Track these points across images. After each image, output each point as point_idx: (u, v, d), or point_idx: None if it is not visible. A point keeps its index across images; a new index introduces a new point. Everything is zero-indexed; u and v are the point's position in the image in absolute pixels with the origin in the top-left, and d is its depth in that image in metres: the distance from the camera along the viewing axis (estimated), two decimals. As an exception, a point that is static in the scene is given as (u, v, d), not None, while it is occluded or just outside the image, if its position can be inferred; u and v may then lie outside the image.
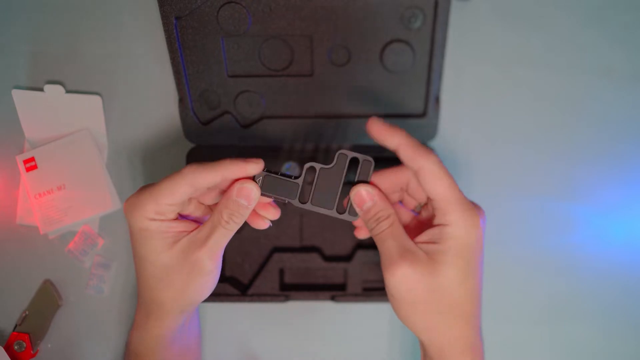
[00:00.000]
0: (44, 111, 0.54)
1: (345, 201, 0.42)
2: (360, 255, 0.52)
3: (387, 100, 0.51)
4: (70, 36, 0.55)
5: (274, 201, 0.43)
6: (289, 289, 0.53)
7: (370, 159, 0.41)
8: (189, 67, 0.50)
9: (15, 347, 0.52)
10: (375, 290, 0.53)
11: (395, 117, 0.52)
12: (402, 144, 0.39)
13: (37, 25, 0.55)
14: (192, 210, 0.43)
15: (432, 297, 0.39)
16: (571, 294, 0.54)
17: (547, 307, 0.54)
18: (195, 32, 0.49)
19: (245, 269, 0.54)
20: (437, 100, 0.51)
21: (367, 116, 0.52)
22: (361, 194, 0.41)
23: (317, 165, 0.42)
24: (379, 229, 0.40)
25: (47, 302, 0.53)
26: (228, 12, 0.48)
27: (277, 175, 0.41)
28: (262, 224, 0.44)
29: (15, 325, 0.53)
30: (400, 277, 0.39)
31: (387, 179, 0.42)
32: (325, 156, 0.53)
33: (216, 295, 0.52)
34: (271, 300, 0.53)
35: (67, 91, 0.54)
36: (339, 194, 0.42)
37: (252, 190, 0.41)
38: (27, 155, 0.53)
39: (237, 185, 0.41)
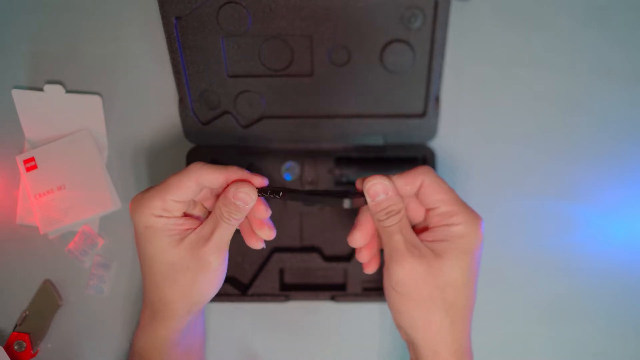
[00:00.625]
0: (44, 111, 0.54)
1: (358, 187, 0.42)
2: (360, 255, 0.52)
3: (387, 100, 0.51)
4: (70, 36, 0.55)
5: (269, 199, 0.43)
6: (289, 289, 0.53)
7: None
8: (189, 67, 0.50)
9: (16, 347, 0.52)
10: (375, 290, 0.53)
11: (395, 117, 0.52)
12: (398, 181, 0.40)
13: (37, 25, 0.55)
14: (197, 214, 0.44)
15: (437, 295, 0.39)
16: (571, 294, 0.54)
17: (547, 307, 0.54)
18: (195, 32, 0.49)
19: (245, 269, 0.54)
20: (437, 100, 0.51)
21: (367, 116, 0.52)
22: (376, 185, 0.40)
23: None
24: (389, 223, 0.40)
25: (47, 302, 0.53)
26: (228, 12, 0.48)
27: (267, 195, 0.42)
28: (257, 244, 0.44)
29: (15, 325, 0.53)
30: (409, 270, 0.39)
31: (397, 183, 0.42)
32: (326, 156, 0.53)
33: (216, 295, 0.52)
34: (271, 300, 0.53)
35: (67, 91, 0.54)
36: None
37: (249, 196, 0.41)
38: (27, 155, 0.53)
39: (232, 188, 0.41)
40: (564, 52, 0.54)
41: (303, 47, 0.50)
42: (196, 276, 0.42)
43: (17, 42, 0.55)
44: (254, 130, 0.52)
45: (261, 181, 0.42)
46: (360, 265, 0.52)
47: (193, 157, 0.53)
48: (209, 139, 0.53)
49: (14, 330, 0.52)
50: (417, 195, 0.41)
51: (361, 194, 0.41)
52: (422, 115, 0.52)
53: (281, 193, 0.41)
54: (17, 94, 0.54)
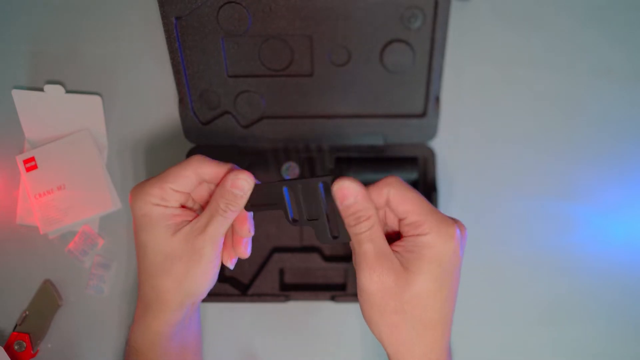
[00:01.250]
0: (44, 111, 0.54)
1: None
2: (360, 255, 0.52)
3: (387, 100, 0.51)
4: (70, 36, 0.55)
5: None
6: (289, 289, 0.53)
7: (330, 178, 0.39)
8: (189, 67, 0.50)
9: (16, 347, 0.52)
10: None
11: (395, 117, 0.52)
12: (361, 194, 0.38)
13: (37, 25, 0.55)
14: (195, 207, 0.44)
15: (404, 308, 0.38)
16: (571, 294, 0.54)
17: (547, 307, 0.54)
18: (195, 32, 0.49)
19: (245, 269, 0.54)
20: (437, 100, 0.51)
21: (367, 116, 0.52)
22: (344, 189, 0.38)
23: (295, 185, 0.40)
24: (359, 230, 0.38)
25: (47, 302, 0.53)
26: (228, 12, 0.48)
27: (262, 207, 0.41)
28: (228, 262, 0.44)
29: (15, 325, 0.53)
30: (376, 281, 0.38)
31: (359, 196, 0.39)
32: (326, 156, 0.53)
33: (216, 295, 0.52)
34: (271, 300, 0.53)
35: (67, 91, 0.54)
36: (326, 220, 0.40)
37: (247, 182, 0.41)
38: (27, 155, 0.53)
39: (231, 177, 0.41)
40: (564, 52, 0.54)
41: (303, 47, 0.50)
42: (189, 267, 0.42)
43: (17, 42, 0.55)
44: (254, 130, 0.52)
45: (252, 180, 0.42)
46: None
47: (193, 157, 0.53)
48: (209, 139, 0.53)
49: (14, 330, 0.52)
50: (387, 205, 0.40)
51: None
52: (422, 115, 0.52)
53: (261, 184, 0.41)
54: (17, 94, 0.54)
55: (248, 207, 0.42)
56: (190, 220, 0.42)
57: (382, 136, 0.52)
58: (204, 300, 0.52)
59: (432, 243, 0.38)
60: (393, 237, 0.41)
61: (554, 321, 0.54)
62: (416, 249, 0.38)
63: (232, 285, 0.53)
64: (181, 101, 0.51)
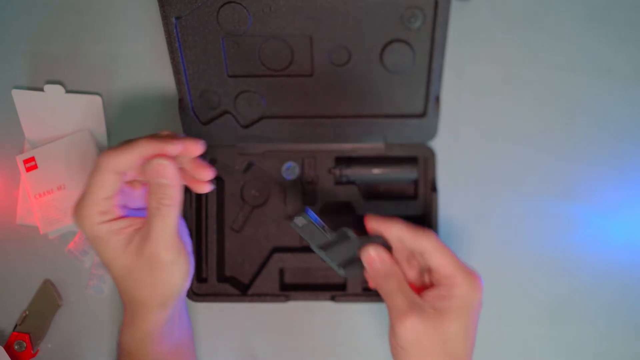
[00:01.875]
0: (44, 111, 0.54)
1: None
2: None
3: (387, 100, 0.51)
4: (70, 36, 0.55)
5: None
6: (289, 289, 0.53)
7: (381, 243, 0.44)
8: (189, 67, 0.50)
9: (16, 347, 0.52)
10: (376, 290, 0.53)
11: (395, 117, 0.52)
12: (402, 234, 0.43)
13: (37, 25, 0.55)
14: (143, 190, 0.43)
15: (439, 348, 0.41)
16: (571, 294, 0.54)
17: (547, 307, 0.54)
18: (195, 32, 0.49)
19: (245, 269, 0.54)
20: (437, 100, 0.51)
21: (367, 116, 0.52)
22: (370, 255, 0.44)
23: (350, 234, 0.45)
24: (388, 286, 0.43)
25: (47, 302, 0.53)
26: (228, 12, 0.48)
27: (315, 225, 0.44)
28: (203, 187, 0.44)
29: (16, 325, 0.53)
30: (410, 327, 0.41)
31: (400, 236, 0.44)
32: (326, 156, 0.53)
33: (216, 295, 0.52)
34: (271, 300, 0.52)
35: (67, 91, 0.54)
36: (351, 258, 0.45)
37: (166, 167, 0.40)
38: (27, 155, 0.53)
39: (149, 167, 0.40)
40: (564, 52, 0.54)
41: (303, 47, 0.50)
42: (153, 274, 0.42)
43: (17, 42, 0.55)
44: (254, 130, 0.52)
45: (175, 147, 0.41)
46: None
47: (193, 157, 0.53)
48: (209, 139, 0.53)
49: (14, 330, 0.52)
50: (421, 256, 0.43)
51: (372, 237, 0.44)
52: (422, 115, 0.52)
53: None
54: (17, 94, 0.54)
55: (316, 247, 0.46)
56: (140, 228, 0.42)
57: (382, 136, 0.52)
58: (204, 300, 0.52)
59: (462, 293, 0.42)
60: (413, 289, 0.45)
61: (554, 321, 0.54)
62: (448, 297, 0.42)
63: (232, 285, 0.53)
64: (181, 101, 0.51)
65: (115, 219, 0.41)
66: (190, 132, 0.53)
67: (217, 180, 0.53)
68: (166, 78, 0.54)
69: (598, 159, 0.54)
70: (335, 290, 0.53)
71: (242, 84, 0.51)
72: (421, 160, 0.53)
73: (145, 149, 0.40)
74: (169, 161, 0.40)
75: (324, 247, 0.45)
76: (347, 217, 0.54)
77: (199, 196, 0.52)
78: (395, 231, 0.43)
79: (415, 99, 0.51)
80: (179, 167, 0.43)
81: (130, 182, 0.44)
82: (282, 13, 0.48)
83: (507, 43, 0.54)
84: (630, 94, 0.54)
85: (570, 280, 0.54)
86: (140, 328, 0.44)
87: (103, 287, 0.54)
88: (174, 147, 0.41)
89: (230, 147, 0.53)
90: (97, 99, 0.54)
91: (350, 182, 0.53)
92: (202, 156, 0.52)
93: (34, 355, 0.53)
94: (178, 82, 0.50)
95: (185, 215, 0.52)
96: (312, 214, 0.44)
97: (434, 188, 0.52)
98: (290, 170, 0.53)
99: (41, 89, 0.54)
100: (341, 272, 0.46)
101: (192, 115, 0.52)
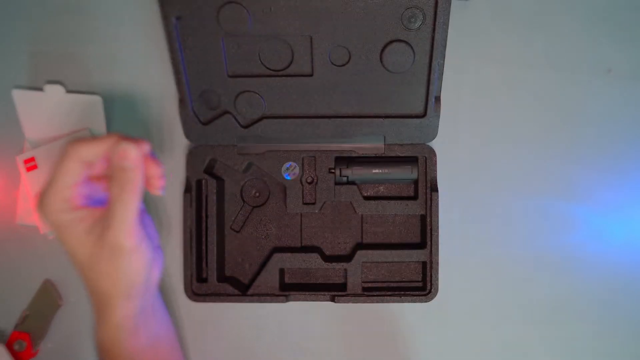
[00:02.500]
0: (44, 111, 0.54)
1: None
2: (360, 255, 0.52)
3: (387, 100, 0.51)
4: (71, 36, 0.55)
5: None
6: (289, 289, 0.53)
7: None
8: (189, 67, 0.50)
9: (16, 347, 0.52)
10: (375, 290, 0.53)
11: (395, 117, 0.52)
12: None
13: (37, 25, 0.55)
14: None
15: None
16: (571, 294, 0.54)
17: (547, 307, 0.54)
18: (195, 32, 0.49)
19: (245, 269, 0.54)
20: (437, 100, 0.51)
21: (367, 116, 0.52)
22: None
23: None
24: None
25: (47, 302, 0.53)
26: (228, 12, 0.48)
27: None
28: (157, 189, 0.44)
29: (16, 325, 0.53)
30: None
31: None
32: (326, 156, 0.53)
33: (216, 295, 0.52)
34: (271, 301, 0.53)
35: (67, 91, 0.54)
36: None
37: (131, 150, 0.41)
38: (27, 155, 0.53)
39: (114, 151, 0.41)
40: (564, 52, 0.54)
41: (303, 47, 0.50)
42: (114, 262, 0.41)
43: (17, 42, 0.55)
44: (254, 130, 0.52)
45: (141, 143, 0.42)
46: (360, 266, 0.52)
47: (193, 157, 0.53)
48: (209, 139, 0.53)
49: (14, 330, 0.52)
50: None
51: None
52: (423, 115, 0.52)
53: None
54: (17, 94, 0.54)
55: None
56: (102, 217, 0.42)
57: (382, 136, 0.52)
58: (204, 300, 0.52)
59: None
60: None
61: (553, 321, 0.54)
62: None
63: (232, 285, 0.53)
64: (181, 101, 0.51)
65: (77, 208, 0.41)
66: (190, 132, 0.53)
67: (217, 180, 0.53)
68: (166, 78, 0.54)
69: (598, 159, 0.54)
70: (335, 290, 0.53)
71: (242, 84, 0.51)
72: (421, 160, 0.53)
73: (112, 141, 0.41)
74: (134, 145, 0.41)
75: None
76: (347, 217, 0.54)
77: (199, 196, 0.53)
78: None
79: (415, 99, 0.51)
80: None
81: (97, 178, 0.44)
82: (282, 13, 0.48)
83: (507, 43, 0.54)
84: (630, 94, 0.54)
85: (570, 280, 0.54)
86: (110, 322, 0.43)
87: (103, 287, 0.54)
88: (141, 143, 0.42)
89: (230, 147, 0.53)
90: (97, 99, 0.54)
91: (350, 182, 0.53)
92: (202, 156, 0.53)
93: (34, 355, 0.53)
94: (178, 82, 0.50)
95: (185, 215, 0.52)
96: None
97: (434, 188, 0.52)
98: (290, 170, 0.53)
99: (41, 89, 0.54)
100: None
101: (192, 115, 0.52)
